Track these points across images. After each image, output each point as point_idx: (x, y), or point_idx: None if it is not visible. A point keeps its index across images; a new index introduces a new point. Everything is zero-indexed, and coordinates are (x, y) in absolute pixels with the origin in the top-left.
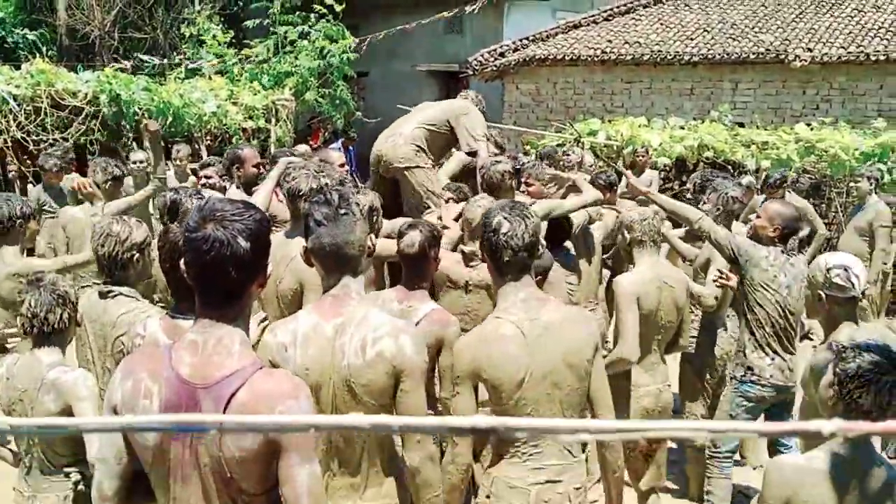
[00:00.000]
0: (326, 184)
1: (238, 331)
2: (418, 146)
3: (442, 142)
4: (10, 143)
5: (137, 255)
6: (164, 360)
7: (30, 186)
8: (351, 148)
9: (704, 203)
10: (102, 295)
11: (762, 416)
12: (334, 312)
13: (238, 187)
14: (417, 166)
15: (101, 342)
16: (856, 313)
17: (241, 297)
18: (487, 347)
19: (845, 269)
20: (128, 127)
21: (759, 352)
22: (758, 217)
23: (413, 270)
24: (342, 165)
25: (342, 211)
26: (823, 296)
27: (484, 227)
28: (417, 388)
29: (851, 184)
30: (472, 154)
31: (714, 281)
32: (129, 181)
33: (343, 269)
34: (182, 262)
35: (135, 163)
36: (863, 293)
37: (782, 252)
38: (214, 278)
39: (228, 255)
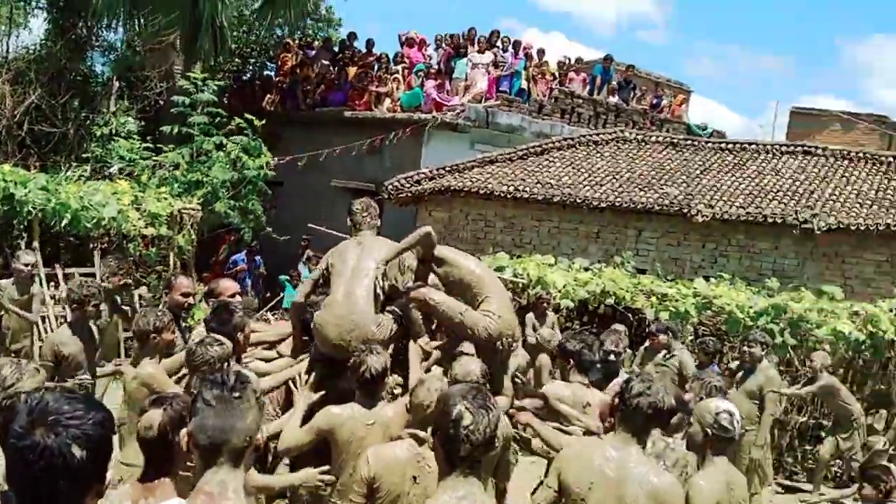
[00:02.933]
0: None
1: None
2: (377, 320)
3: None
4: None
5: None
6: None
7: None
8: (257, 258)
9: (687, 391)
10: None
11: None
12: None
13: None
14: (390, 329)
15: None
16: (732, 452)
17: None
18: None
19: (730, 414)
20: (20, 227)
21: None
22: None
23: (153, 457)
24: (232, 296)
25: (236, 394)
26: (710, 434)
27: (441, 414)
28: None
29: (744, 348)
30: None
31: None
32: (9, 282)
33: (223, 461)
34: (5, 472)
35: (26, 265)
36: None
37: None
38: (42, 492)
39: (60, 467)
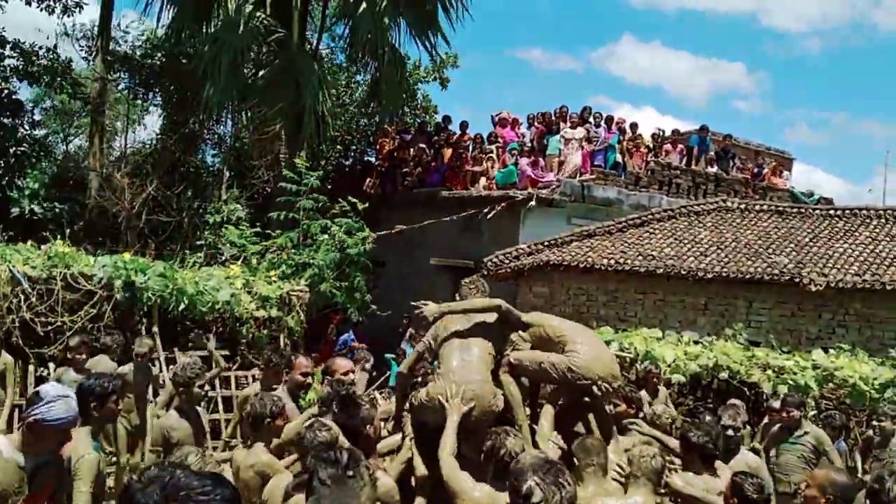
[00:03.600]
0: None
1: None
2: (496, 392)
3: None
4: (17, 324)
5: None
6: None
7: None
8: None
9: (867, 473)
10: None
11: None
12: None
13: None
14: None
15: None
16: None
17: None
18: None
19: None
20: (140, 312)
21: None
22: (807, 486)
23: None
24: (346, 374)
25: (350, 473)
26: None
27: (512, 489)
28: None
29: (874, 422)
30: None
31: None
32: (129, 368)
33: None
34: None
35: (138, 355)
36: None
37: None
38: None
39: None
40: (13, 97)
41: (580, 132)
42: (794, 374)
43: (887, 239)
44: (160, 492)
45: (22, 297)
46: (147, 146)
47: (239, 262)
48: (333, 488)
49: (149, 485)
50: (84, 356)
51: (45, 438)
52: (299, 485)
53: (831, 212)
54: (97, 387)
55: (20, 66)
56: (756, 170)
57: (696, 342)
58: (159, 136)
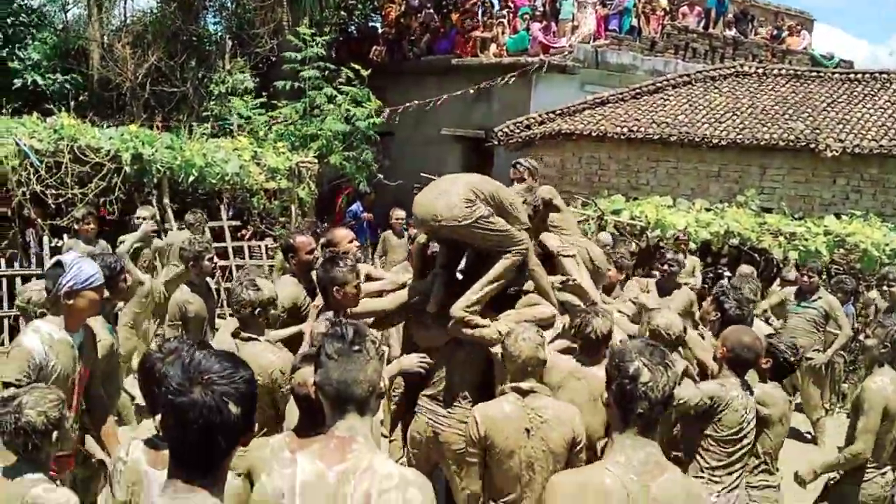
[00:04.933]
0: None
1: (215, 501)
2: (470, 199)
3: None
4: (28, 196)
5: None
6: None
7: (66, 239)
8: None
9: (869, 338)
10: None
11: None
12: (338, 458)
13: (293, 276)
14: (480, 217)
15: None
16: None
17: (223, 464)
18: (583, 497)
19: None
20: (152, 184)
21: None
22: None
23: (307, 411)
24: (350, 242)
25: (355, 347)
26: None
27: (617, 370)
28: None
29: (884, 287)
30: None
31: None
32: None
33: (350, 409)
34: (160, 422)
35: (138, 218)
36: None
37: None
38: (198, 446)
39: (217, 424)
40: None
41: None
42: (806, 239)
43: None
44: (182, 374)
45: (31, 171)
46: (147, 15)
47: (246, 133)
48: (340, 361)
49: (168, 355)
50: (91, 226)
51: (84, 304)
52: (307, 357)
53: (850, 75)
54: (104, 268)
55: None
56: (775, 32)
57: (707, 209)
58: (159, 4)
